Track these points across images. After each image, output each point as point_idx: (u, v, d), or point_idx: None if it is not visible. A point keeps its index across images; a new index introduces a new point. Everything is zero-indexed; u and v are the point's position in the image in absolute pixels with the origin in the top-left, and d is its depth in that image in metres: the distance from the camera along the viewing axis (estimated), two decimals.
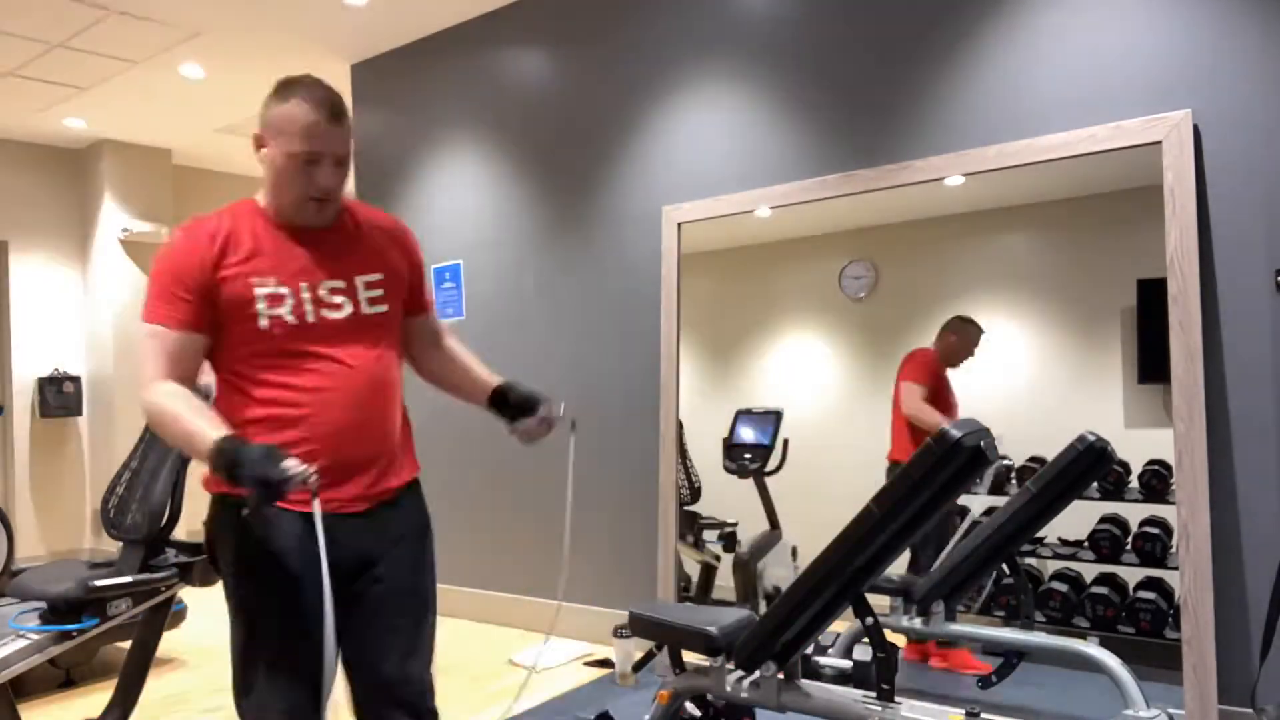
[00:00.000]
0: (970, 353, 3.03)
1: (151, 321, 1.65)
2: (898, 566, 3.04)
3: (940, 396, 3.05)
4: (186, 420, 1.56)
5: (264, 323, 1.66)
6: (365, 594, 1.75)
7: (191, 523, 6.99)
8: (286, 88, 1.67)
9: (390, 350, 1.81)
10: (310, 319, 1.69)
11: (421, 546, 1.84)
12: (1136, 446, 2.65)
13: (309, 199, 1.69)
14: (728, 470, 3.51)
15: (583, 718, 2.50)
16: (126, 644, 3.80)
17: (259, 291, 1.66)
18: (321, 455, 1.63)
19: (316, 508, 1.54)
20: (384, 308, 1.79)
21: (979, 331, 3.02)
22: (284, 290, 1.68)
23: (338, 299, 1.73)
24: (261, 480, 1.44)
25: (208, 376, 1.80)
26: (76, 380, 6.25)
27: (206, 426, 1.54)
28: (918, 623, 2.79)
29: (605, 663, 3.59)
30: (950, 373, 3.02)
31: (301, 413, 1.66)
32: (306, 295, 1.70)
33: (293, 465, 1.47)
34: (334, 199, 1.73)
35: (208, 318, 1.66)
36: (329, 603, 1.54)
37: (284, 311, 1.68)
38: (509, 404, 1.98)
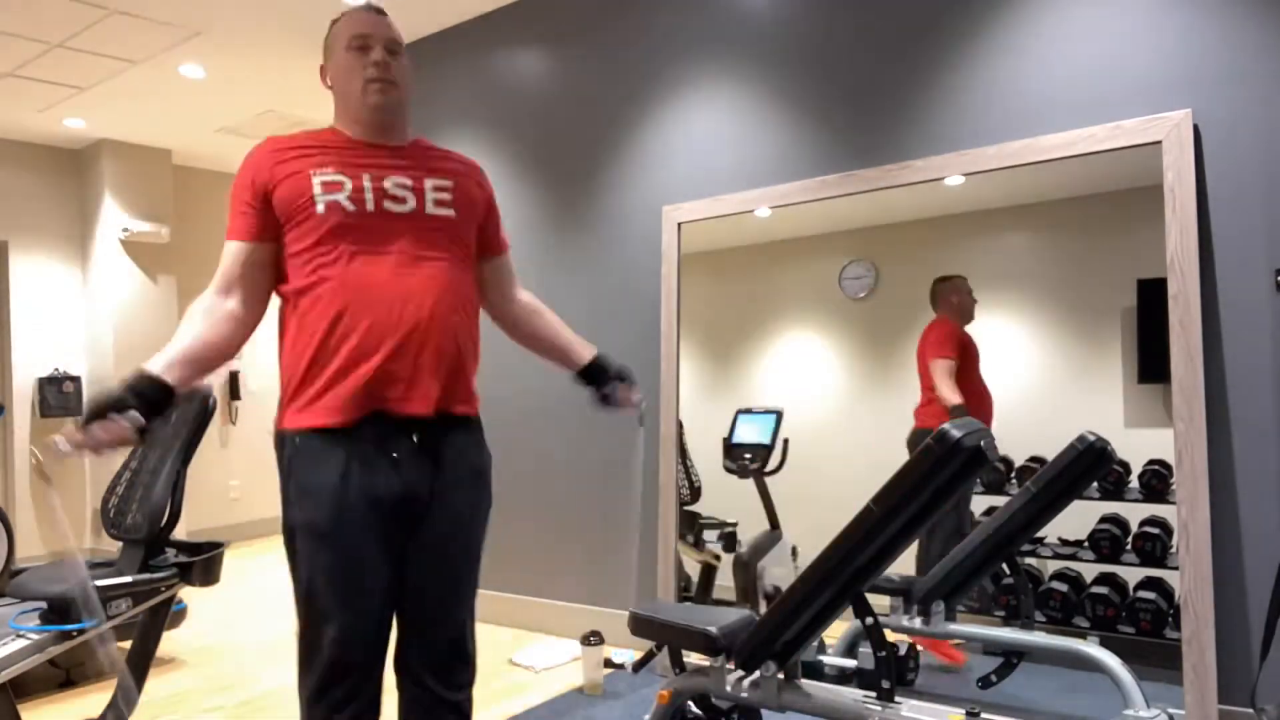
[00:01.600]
0: (973, 302, 3.00)
1: (227, 239, 1.69)
2: (895, 566, 3.04)
3: (969, 365, 3.01)
4: (173, 339, 1.61)
5: (320, 208, 1.63)
6: (417, 536, 1.71)
7: (191, 522, 6.99)
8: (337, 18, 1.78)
9: (460, 264, 1.75)
10: (370, 207, 1.66)
11: (478, 493, 1.79)
12: (1136, 446, 2.65)
13: (370, 81, 1.70)
14: (728, 470, 3.51)
15: None
16: (126, 644, 3.80)
17: (316, 179, 1.65)
18: (372, 348, 1.61)
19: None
20: (451, 212, 1.75)
21: (964, 280, 3.00)
22: (343, 178, 1.66)
23: (402, 193, 1.70)
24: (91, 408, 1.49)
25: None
26: (76, 380, 6.25)
27: (160, 355, 1.57)
28: (918, 622, 2.80)
29: (606, 662, 3.59)
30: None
31: (352, 303, 1.62)
32: (368, 184, 1.67)
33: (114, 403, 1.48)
34: (396, 82, 1.73)
35: (269, 222, 1.66)
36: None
37: (341, 197, 1.65)
38: (607, 372, 2.01)
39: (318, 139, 1.73)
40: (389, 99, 1.72)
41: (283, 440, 1.68)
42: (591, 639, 3.28)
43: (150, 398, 1.52)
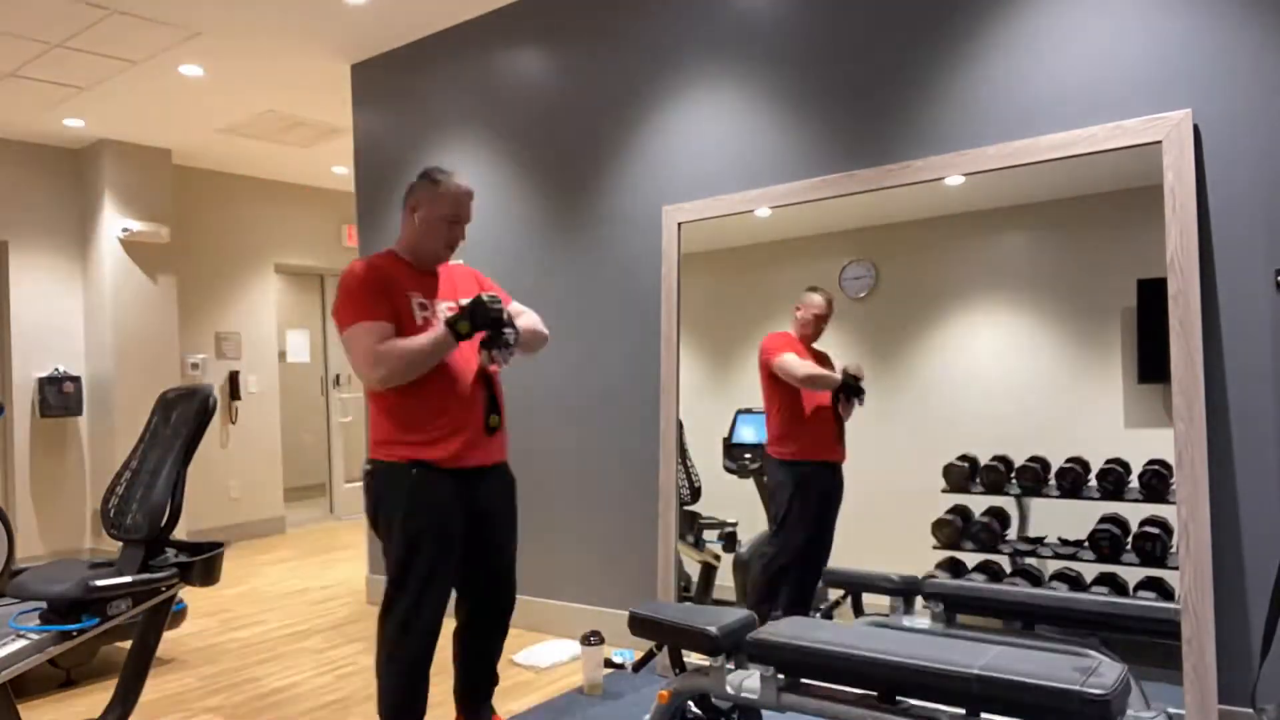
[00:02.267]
0: (821, 317, 3.24)
1: (358, 320, 2.40)
2: (896, 566, 3.04)
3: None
4: (413, 342, 2.37)
5: (419, 322, 2.48)
6: (485, 532, 2.62)
7: (191, 522, 6.99)
8: (439, 174, 2.53)
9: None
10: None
11: (513, 499, 2.74)
12: (1136, 446, 2.65)
13: (446, 247, 2.57)
14: (728, 470, 3.51)
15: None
16: (126, 644, 3.80)
17: (414, 301, 2.50)
18: (460, 428, 2.51)
19: None
20: None
21: (824, 297, 3.24)
22: (425, 301, 2.53)
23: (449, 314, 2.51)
24: (496, 317, 2.40)
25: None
26: (76, 380, 6.25)
27: (427, 333, 2.39)
28: (919, 622, 2.80)
29: (606, 663, 3.59)
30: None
31: (444, 402, 2.49)
32: (433, 308, 2.55)
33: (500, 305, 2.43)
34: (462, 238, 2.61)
35: (393, 315, 2.44)
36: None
37: (429, 315, 2.51)
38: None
39: (399, 270, 2.54)
40: (445, 259, 2.64)
41: (397, 468, 2.48)
42: (591, 639, 3.28)
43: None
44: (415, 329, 2.43)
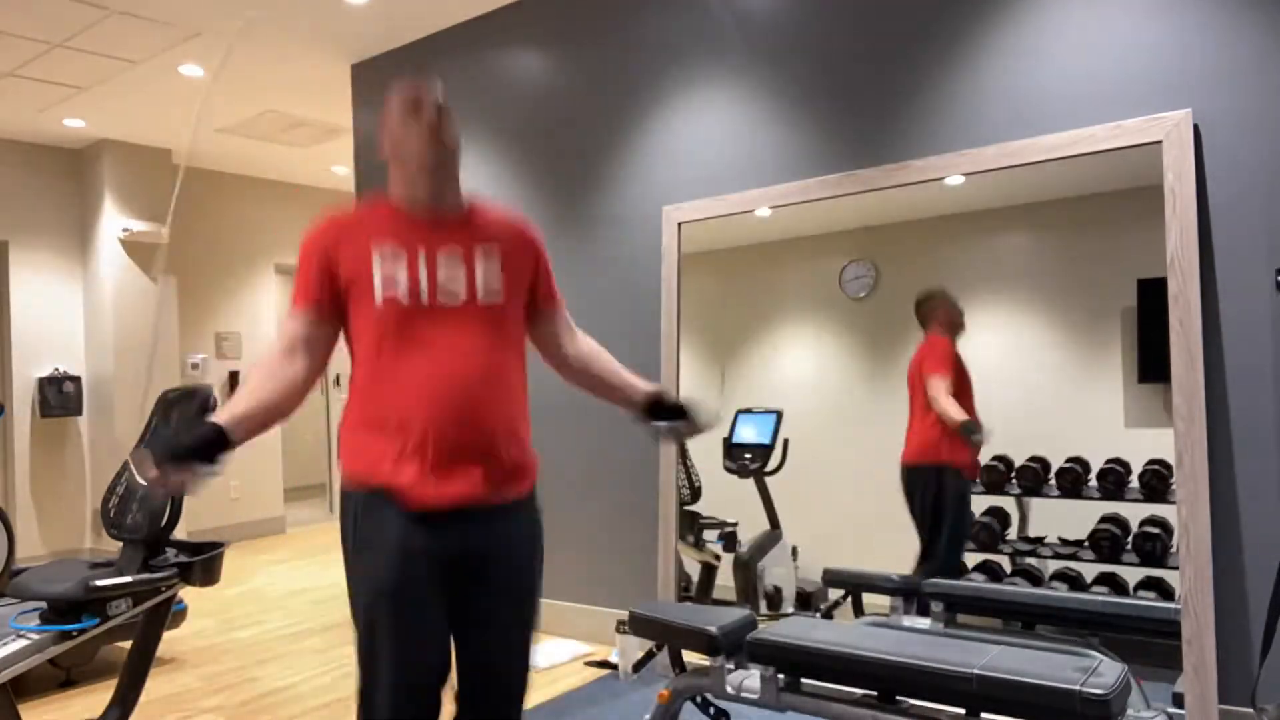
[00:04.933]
0: (960, 313, 3.00)
1: (293, 304, 1.77)
2: (896, 566, 3.04)
3: (962, 383, 3.01)
4: (238, 393, 1.68)
5: (379, 300, 1.71)
6: (473, 598, 1.79)
7: (192, 523, 6.99)
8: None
9: (506, 347, 1.81)
10: (424, 299, 1.73)
11: (531, 559, 1.91)
12: (1136, 446, 2.65)
13: (427, 143, 1.74)
14: (728, 470, 3.51)
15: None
16: (126, 644, 3.80)
17: (376, 254, 1.72)
18: (421, 448, 1.68)
19: None
20: (499, 299, 1.80)
21: (945, 293, 3.00)
22: (400, 252, 1.73)
23: (454, 284, 1.75)
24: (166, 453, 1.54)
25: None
26: (76, 380, 6.25)
27: (228, 409, 1.64)
28: (919, 622, 2.80)
29: (605, 664, 3.59)
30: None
31: (404, 403, 1.69)
32: (423, 271, 1.73)
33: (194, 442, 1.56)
34: (450, 145, 1.78)
35: (333, 298, 1.75)
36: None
37: (399, 292, 1.71)
38: (665, 409, 2.01)
39: (375, 214, 1.80)
40: (446, 166, 1.79)
41: (346, 498, 1.77)
42: (622, 626, 3.29)
43: (219, 451, 1.60)
44: (375, 315, 1.72)
